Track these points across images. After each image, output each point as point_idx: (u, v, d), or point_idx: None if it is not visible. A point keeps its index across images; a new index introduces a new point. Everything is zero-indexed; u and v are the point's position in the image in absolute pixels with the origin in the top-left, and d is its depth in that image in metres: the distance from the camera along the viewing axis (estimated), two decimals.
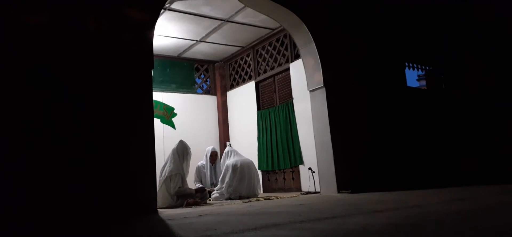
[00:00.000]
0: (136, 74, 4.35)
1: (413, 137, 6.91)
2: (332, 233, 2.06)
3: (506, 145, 7.90)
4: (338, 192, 5.57)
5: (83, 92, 3.99)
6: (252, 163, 6.43)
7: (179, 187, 5.35)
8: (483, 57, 8.34)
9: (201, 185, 6.19)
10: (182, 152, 5.60)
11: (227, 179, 6.06)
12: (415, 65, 7.71)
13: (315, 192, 6.22)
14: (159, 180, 5.28)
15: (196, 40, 7.90)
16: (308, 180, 6.64)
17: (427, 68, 8.01)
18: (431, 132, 7.31)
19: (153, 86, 4.62)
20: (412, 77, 43.31)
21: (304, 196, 5.78)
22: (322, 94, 5.95)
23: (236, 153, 6.50)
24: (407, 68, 7.45)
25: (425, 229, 2.03)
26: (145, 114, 4.32)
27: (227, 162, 6.28)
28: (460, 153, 7.58)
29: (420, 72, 9.09)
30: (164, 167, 5.51)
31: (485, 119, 8.07)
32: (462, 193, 4.41)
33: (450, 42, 8.24)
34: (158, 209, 4.32)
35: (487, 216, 2.48)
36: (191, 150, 5.72)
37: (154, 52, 4.73)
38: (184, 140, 5.83)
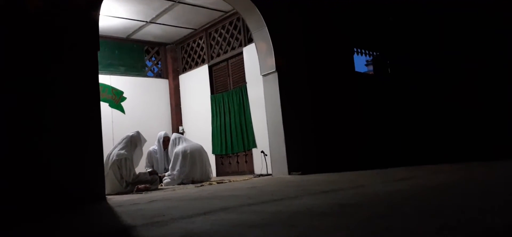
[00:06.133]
0: (80, 56, 4.15)
1: (362, 119, 7.21)
2: (279, 215, 2.12)
3: (445, 127, 8.46)
4: (289, 173, 5.72)
5: (21, 77, 3.74)
6: (202, 147, 6.39)
7: (138, 173, 5.25)
8: (426, 42, 8.80)
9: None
10: (136, 142, 5.46)
11: (177, 166, 5.97)
12: (363, 51, 7.99)
13: (267, 174, 6.33)
14: (105, 165, 5.08)
15: (146, 22, 7.64)
16: (260, 163, 6.73)
17: (374, 53, 8.34)
18: (378, 114, 7.67)
19: (100, 69, 4.43)
20: (361, 63, 45.01)
21: (256, 178, 5.87)
22: (274, 79, 6.01)
23: (184, 139, 6.42)
24: (355, 54, 7.71)
25: (366, 209, 2.14)
26: (91, 98, 4.14)
27: (175, 149, 6.18)
28: (405, 134, 8.03)
29: (368, 57, 9.39)
30: (111, 151, 5.31)
31: (427, 102, 8.56)
32: (404, 173, 4.69)
33: (395, 28, 8.61)
34: (106, 196, 4.20)
35: (427, 194, 2.67)
36: (143, 146, 5.63)
37: (101, 34, 4.53)
38: (137, 128, 5.79)
